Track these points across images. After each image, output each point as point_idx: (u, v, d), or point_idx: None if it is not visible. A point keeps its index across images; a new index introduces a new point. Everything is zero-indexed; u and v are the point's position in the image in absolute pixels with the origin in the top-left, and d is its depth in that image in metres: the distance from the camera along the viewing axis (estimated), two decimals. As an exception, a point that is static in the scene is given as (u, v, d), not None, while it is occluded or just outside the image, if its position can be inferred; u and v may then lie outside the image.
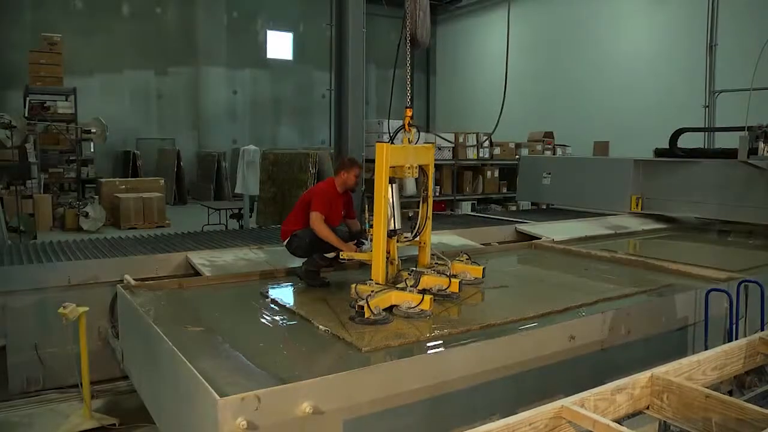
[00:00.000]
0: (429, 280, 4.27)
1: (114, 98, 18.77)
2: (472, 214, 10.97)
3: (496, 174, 13.32)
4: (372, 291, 3.81)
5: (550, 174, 9.86)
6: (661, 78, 15.29)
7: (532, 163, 10.94)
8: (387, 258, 4.31)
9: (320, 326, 3.67)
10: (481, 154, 12.85)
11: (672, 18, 15.42)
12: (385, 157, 4.20)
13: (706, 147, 10.78)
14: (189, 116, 20.69)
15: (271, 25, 21.92)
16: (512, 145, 13.38)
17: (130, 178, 16.24)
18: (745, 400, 2.42)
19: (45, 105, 14.43)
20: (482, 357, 3.29)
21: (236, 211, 12.48)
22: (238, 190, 12.28)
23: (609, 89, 16.70)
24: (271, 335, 3.66)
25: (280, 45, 22.14)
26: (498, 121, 4.86)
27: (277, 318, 3.99)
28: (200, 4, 20.36)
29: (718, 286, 4.61)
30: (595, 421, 2.03)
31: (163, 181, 15.52)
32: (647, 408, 2.38)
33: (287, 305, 4.18)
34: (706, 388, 2.36)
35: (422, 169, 4.65)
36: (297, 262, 5.40)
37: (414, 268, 4.42)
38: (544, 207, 10.82)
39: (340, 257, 4.60)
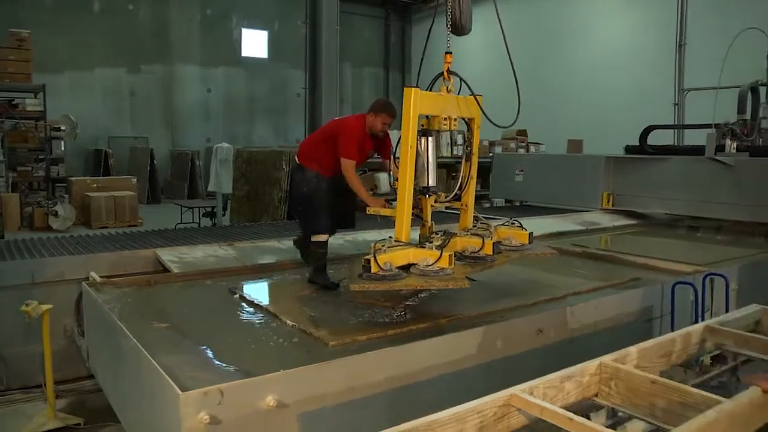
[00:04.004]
0: (460, 242, 4.03)
1: (85, 96, 18.48)
2: (446, 211, 10.95)
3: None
4: (383, 246, 3.61)
5: (522, 171, 9.92)
6: (634, 76, 15.48)
7: (504, 160, 10.98)
8: (420, 218, 4.07)
9: (288, 321, 3.64)
10: (454, 152, 12.87)
11: (643, 17, 15.62)
12: (413, 103, 3.75)
13: (676, 144, 10.93)
14: (162, 114, 20.46)
15: (245, 23, 21.76)
16: (486, 143, 13.42)
17: (101, 177, 16.01)
18: (695, 384, 2.50)
19: (13, 102, 14.14)
20: (448, 350, 3.29)
21: (209, 209, 12.38)
22: (210, 189, 12.19)
23: (583, 88, 16.86)
24: (238, 331, 3.62)
25: (255, 43, 21.99)
26: (516, 119, 4.41)
27: (245, 314, 3.95)
28: (173, 0, 20.14)
29: (685, 279, 4.68)
30: (543, 408, 2.06)
31: (135, 179, 15.31)
32: (596, 395, 2.42)
33: (255, 301, 4.14)
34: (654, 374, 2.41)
35: (467, 125, 4.32)
36: (266, 259, 5.37)
37: (448, 230, 4.12)
38: (518, 204, 10.88)
39: (367, 212, 4.31)
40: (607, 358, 2.45)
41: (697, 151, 8.20)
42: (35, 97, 14.39)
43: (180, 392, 2.47)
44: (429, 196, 4.08)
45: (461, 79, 4.11)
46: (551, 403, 2.16)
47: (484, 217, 4.51)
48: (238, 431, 2.60)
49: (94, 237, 6.45)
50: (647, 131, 9.09)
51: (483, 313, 3.85)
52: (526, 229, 4.40)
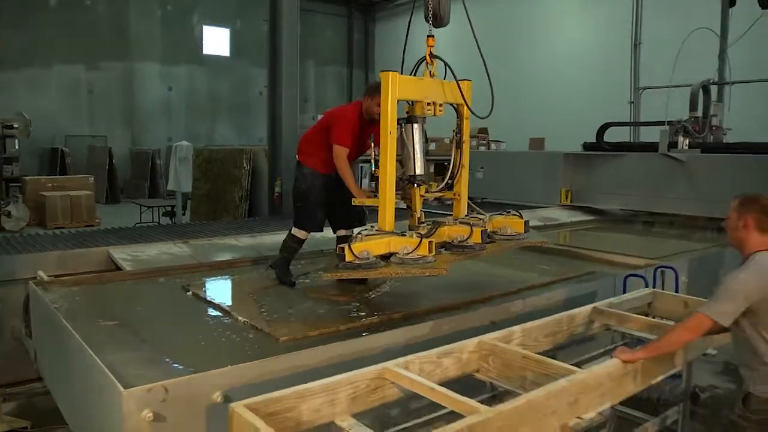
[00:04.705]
0: (448, 231, 3.88)
1: (41, 93, 18.02)
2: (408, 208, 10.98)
3: (432, 169, 13.40)
4: (359, 234, 3.51)
5: (482, 168, 9.99)
6: (593, 75, 15.77)
7: (466, 157, 11.03)
8: (409, 209, 3.95)
9: (240, 318, 3.60)
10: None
11: (601, 17, 15.92)
12: (391, 88, 3.61)
13: (631, 141, 11.14)
14: (122, 113, 20.10)
15: (207, 21, 21.51)
16: (447, 141, 13.49)
17: (57, 176, 15.62)
18: (582, 361, 2.66)
19: (-37, 99, 13.74)
20: (400, 344, 3.28)
21: (169, 208, 12.19)
22: (170, 188, 12.02)
23: (543, 87, 17.09)
24: (190, 328, 3.56)
25: (216, 41, 21.76)
26: (491, 110, 4.20)
27: (197, 311, 3.89)
28: (132, -4, 19.78)
29: (636, 271, 4.77)
30: (414, 381, 2.19)
31: (92, 178, 15.00)
32: (477, 371, 2.54)
33: (209, 298, 4.08)
34: (539, 353, 2.58)
35: (457, 111, 4.17)
36: (222, 257, 5.30)
37: (436, 220, 3.99)
38: (479, 201, 10.94)
39: (352, 203, 4.11)
40: (487, 337, 2.56)
41: (651, 147, 8.37)
42: (-13, 94, 14.00)
43: (123, 389, 2.42)
44: (418, 185, 3.94)
45: (446, 63, 3.98)
46: (428, 377, 2.27)
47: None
48: (184, 428, 2.56)
49: (45, 236, 6.29)
50: (603, 128, 9.24)
51: (437, 308, 3.85)
52: (522, 218, 4.29)
